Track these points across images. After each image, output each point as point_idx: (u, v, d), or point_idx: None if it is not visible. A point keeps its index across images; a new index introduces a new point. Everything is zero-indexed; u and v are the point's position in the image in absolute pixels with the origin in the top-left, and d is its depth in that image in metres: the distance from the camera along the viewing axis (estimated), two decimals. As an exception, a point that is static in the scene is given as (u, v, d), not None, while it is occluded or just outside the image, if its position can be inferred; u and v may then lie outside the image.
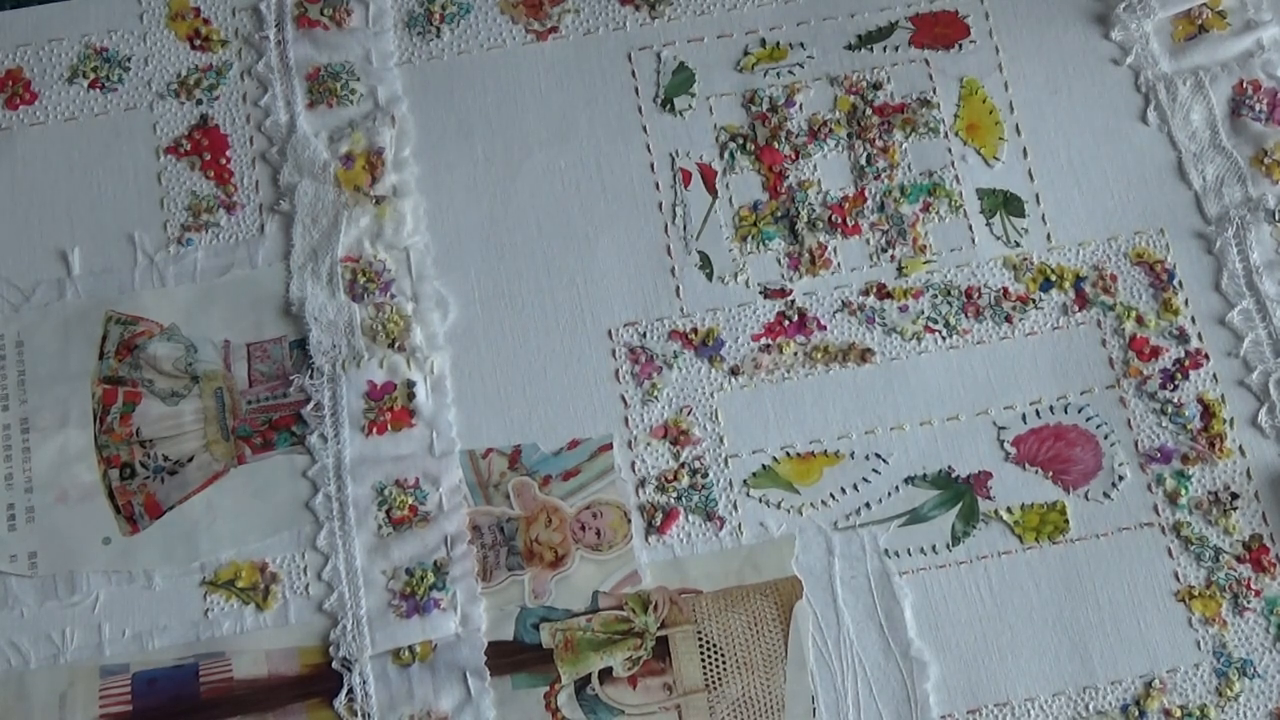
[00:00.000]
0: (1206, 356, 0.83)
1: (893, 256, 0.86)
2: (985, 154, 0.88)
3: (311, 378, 0.82)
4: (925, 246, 0.86)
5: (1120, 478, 0.80)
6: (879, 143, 0.88)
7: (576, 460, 0.82)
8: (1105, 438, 0.81)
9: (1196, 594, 0.78)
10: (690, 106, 0.89)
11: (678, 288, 0.85)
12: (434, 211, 0.87)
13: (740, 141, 0.88)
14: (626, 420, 0.82)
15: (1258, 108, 0.88)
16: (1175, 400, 0.82)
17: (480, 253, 0.86)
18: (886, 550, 0.79)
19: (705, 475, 0.81)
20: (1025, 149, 0.88)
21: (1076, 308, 0.84)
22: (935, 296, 0.84)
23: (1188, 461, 0.81)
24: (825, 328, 0.84)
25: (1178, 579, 0.78)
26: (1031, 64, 0.90)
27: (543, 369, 0.83)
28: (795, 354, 0.83)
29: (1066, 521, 0.79)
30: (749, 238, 0.86)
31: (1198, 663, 0.77)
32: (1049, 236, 0.86)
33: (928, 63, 0.90)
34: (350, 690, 0.76)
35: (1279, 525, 0.79)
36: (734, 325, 0.84)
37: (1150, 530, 0.79)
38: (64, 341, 0.83)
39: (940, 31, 0.91)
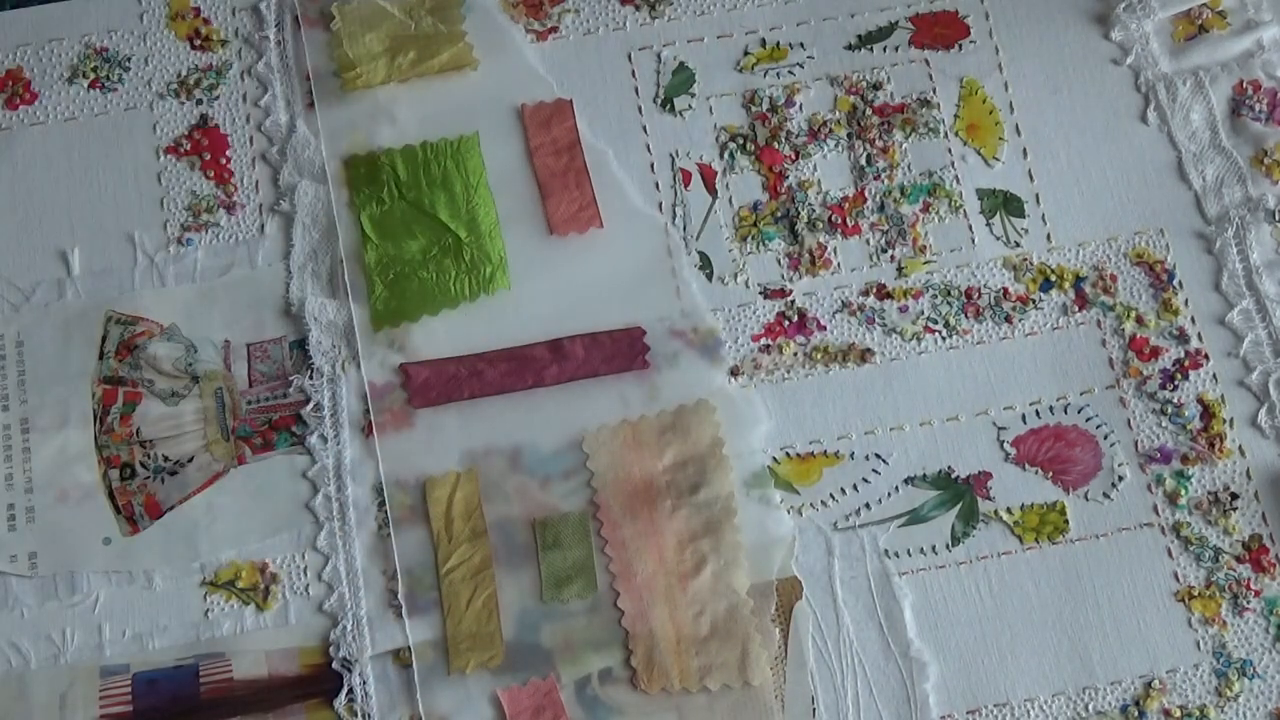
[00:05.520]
0: (1206, 356, 0.83)
1: (893, 257, 0.85)
2: (985, 154, 0.88)
3: (311, 378, 0.82)
4: (925, 247, 0.86)
5: (1120, 478, 0.80)
6: (879, 143, 0.88)
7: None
8: (1105, 438, 0.81)
9: (1196, 594, 0.78)
10: (690, 106, 0.89)
11: (678, 288, 0.85)
12: (434, 211, 0.87)
13: (740, 141, 0.88)
14: (626, 420, 0.82)
15: (1258, 108, 0.88)
16: (1175, 400, 0.82)
17: (480, 253, 0.86)
18: (886, 550, 0.79)
19: (705, 475, 0.81)
20: (1025, 149, 0.88)
21: (1076, 308, 0.84)
22: (935, 297, 0.84)
23: (1188, 461, 0.81)
24: (825, 328, 0.84)
25: (1177, 579, 0.78)
26: (1031, 64, 0.90)
27: (543, 369, 0.83)
28: (795, 354, 0.83)
29: (1066, 522, 0.79)
30: (749, 238, 0.86)
31: (1197, 663, 0.76)
32: (1049, 236, 0.86)
33: (928, 63, 0.90)
34: (350, 690, 0.76)
35: (1279, 525, 0.79)
36: (734, 325, 0.84)
37: (1150, 530, 0.79)
38: (64, 341, 0.83)
39: (940, 31, 0.91)
